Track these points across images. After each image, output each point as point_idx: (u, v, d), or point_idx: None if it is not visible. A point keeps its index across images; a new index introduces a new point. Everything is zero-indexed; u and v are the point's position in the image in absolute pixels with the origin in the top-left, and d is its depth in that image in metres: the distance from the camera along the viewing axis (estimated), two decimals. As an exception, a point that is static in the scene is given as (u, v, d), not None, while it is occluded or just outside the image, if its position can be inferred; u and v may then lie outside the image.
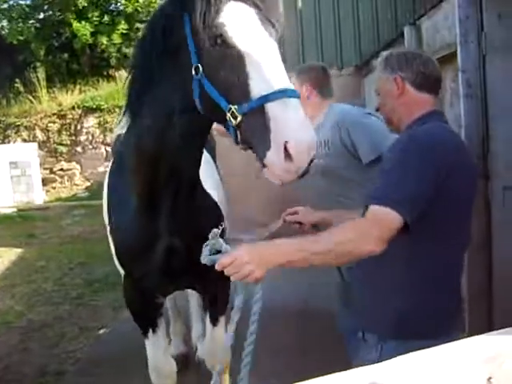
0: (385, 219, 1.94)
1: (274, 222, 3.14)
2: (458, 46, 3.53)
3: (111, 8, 21.54)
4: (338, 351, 3.24)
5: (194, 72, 2.07)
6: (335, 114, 3.39)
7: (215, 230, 2.11)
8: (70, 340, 5.46)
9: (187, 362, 4.36)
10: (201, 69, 2.05)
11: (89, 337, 5.51)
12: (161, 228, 2.67)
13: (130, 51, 20.77)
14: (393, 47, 6.70)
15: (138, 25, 20.89)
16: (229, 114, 1.95)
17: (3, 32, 21.98)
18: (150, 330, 3.12)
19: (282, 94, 1.87)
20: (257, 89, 1.89)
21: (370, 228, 1.93)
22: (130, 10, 20.51)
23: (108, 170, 3.16)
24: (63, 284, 7.55)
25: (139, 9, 20.79)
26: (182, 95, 2.21)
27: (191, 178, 2.58)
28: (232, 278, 1.89)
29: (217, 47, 2.00)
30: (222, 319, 3.27)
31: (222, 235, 3.00)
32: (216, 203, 2.93)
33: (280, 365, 4.18)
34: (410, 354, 1.24)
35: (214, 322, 3.27)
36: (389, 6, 8.71)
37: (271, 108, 1.85)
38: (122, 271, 3.06)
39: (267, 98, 1.86)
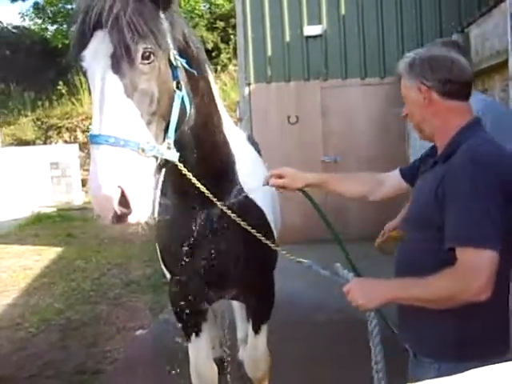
0: (485, 262, 1.84)
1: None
2: (510, 53, 3.47)
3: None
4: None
5: None
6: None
7: (338, 264, 2.33)
8: (108, 340, 5.51)
9: (223, 366, 4.35)
10: None
11: (126, 337, 5.55)
12: (201, 234, 2.66)
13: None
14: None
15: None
16: None
17: (48, 35, 22.48)
18: (193, 334, 3.12)
19: (91, 138, 1.88)
20: (92, 125, 1.92)
21: (473, 276, 1.84)
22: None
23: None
24: (101, 284, 7.64)
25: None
26: None
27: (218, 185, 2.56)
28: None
29: None
30: (265, 327, 3.26)
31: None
32: (263, 214, 2.87)
33: (318, 375, 4.15)
34: (475, 370, 1.19)
35: (257, 330, 3.24)
36: (433, 14, 8.63)
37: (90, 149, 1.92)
38: (167, 274, 3.07)
39: (89, 139, 1.91)
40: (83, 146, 17.78)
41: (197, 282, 2.82)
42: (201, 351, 3.17)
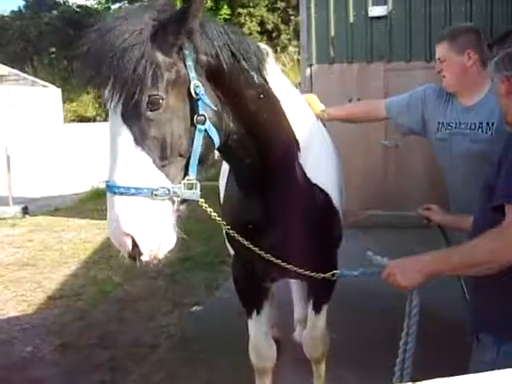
0: None
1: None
2: None
3: (214, -7, 21.87)
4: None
5: None
6: None
7: (369, 253, 2.36)
8: (164, 315, 5.59)
9: (278, 346, 4.36)
10: None
11: (182, 313, 5.62)
12: (262, 218, 2.61)
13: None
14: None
15: (239, 10, 21.11)
16: None
17: (111, 13, 22.84)
18: (255, 311, 3.12)
19: (106, 187, 1.97)
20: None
21: None
22: (233, -5, 20.75)
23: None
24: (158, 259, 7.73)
25: (242, -6, 20.98)
26: None
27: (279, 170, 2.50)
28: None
29: None
30: (325, 308, 3.23)
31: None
32: (330, 203, 2.82)
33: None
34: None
35: (317, 310, 3.22)
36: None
37: None
38: (231, 251, 3.06)
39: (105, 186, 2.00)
40: (142, 124, 18.09)
41: (261, 261, 2.80)
42: (261, 329, 3.18)
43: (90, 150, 15.58)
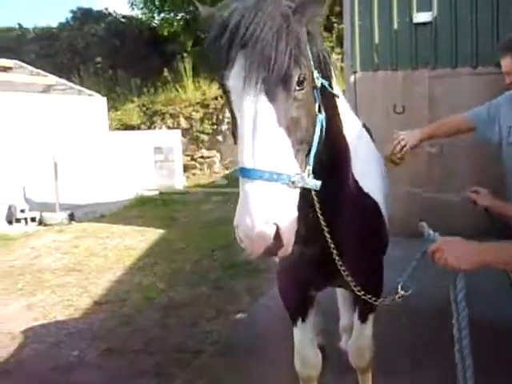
0: None
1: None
2: None
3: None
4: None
5: None
6: None
7: (422, 223, 2.31)
8: (208, 321, 5.62)
9: (323, 354, 4.32)
10: None
11: (226, 320, 5.64)
12: (312, 222, 2.51)
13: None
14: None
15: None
16: None
17: (155, 24, 23.15)
18: (300, 319, 3.10)
19: (242, 171, 1.77)
20: (240, 158, 1.81)
21: None
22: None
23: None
24: (202, 266, 7.79)
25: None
26: None
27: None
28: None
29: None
30: (371, 316, 3.19)
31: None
32: (378, 209, 2.84)
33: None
34: None
35: (363, 319, 3.18)
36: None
37: (240, 182, 1.80)
38: (276, 258, 3.05)
39: (239, 172, 1.79)
40: (185, 132, 18.24)
41: (306, 269, 2.78)
42: (306, 336, 3.15)
43: (135, 157, 15.79)
